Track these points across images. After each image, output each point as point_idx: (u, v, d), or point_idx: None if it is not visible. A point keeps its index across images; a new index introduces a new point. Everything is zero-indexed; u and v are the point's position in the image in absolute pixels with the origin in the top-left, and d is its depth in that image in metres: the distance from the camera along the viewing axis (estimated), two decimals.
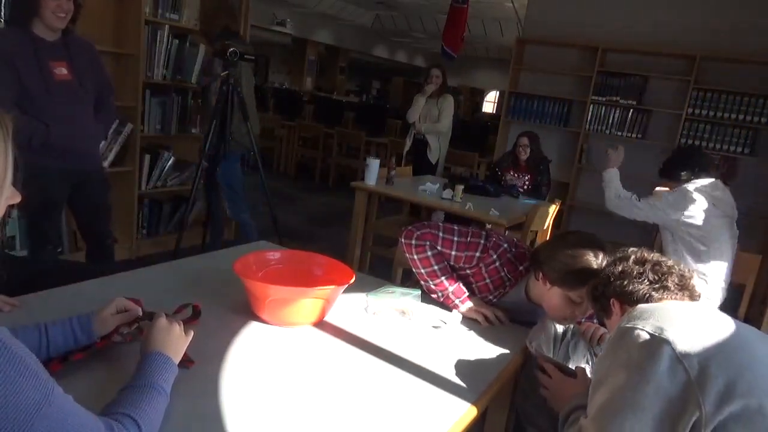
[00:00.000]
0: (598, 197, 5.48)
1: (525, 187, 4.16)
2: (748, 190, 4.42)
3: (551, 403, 1.36)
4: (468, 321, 1.67)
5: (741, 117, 4.72)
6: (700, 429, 0.95)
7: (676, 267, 1.25)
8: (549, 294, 1.60)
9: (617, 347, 1.08)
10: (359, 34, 15.30)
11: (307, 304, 1.42)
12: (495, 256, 1.73)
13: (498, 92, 18.12)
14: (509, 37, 10.73)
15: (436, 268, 1.74)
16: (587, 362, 1.63)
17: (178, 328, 1.11)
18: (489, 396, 1.28)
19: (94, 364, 1.12)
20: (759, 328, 3.25)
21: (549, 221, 3.71)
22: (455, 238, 1.76)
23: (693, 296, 1.23)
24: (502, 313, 1.70)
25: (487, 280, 1.75)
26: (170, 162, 3.85)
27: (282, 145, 8.12)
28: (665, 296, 1.21)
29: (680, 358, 0.99)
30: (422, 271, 1.75)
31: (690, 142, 4.96)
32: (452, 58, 7.27)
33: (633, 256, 1.28)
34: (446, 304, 1.73)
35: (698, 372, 0.97)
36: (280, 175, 7.96)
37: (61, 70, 2.39)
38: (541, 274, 1.61)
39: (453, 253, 1.76)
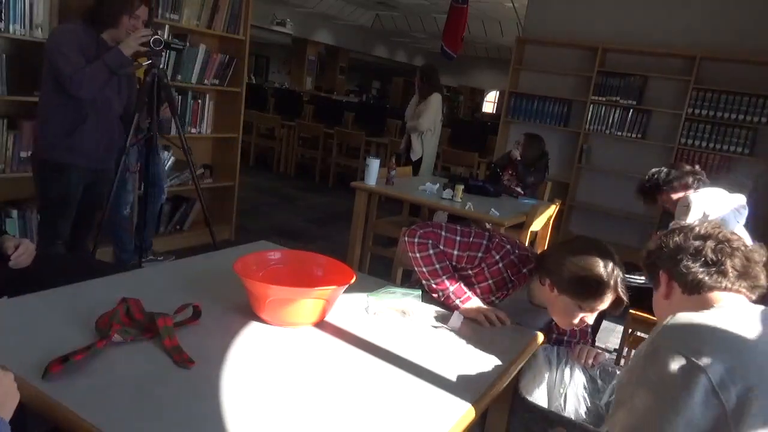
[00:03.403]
0: (597, 197, 5.50)
1: (516, 185, 4.18)
2: (747, 191, 4.41)
3: None
4: (469, 321, 1.67)
5: (741, 117, 4.72)
6: None
7: (742, 248, 1.10)
8: (556, 301, 1.60)
9: (648, 365, 0.98)
10: (359, 34, 15.30)
11: (307, 304, 1.42)
12: (498, 257, 1.73)
13: (498, 92, 18.12)
14: (509, 37, 10.73)
15: (437, 266, 1.74)
16: (585, 388, 1.61)
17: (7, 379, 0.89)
18: (489, 396, 1.28)
19: (94, 365, 1.12)
20: None
21: (549, 221, 3.71)
22: (458, 238, 1.76)
23: (754, 287, 1.10)
24: (504, 314, 1.70)
25: (490, 281, 1.75)
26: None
27: (282, 145, 8.12)
28: (720, 283, 1.09)
29: (717, 390, 0.90)
30: (424, 269, 1.75)
31: (690, 142, 4.96)
32: (452, 58, 7.27)
33: (697, 229, 1.15)
34: (447, 304, 1.73)
35: (735, 406, 0.89)
36: (280, 175, 7.96)
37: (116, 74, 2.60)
38: (548, 281, 1.61)
39: (455, 252, 1.76)
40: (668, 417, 0.91)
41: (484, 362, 1.43)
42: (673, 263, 1.14)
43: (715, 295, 1.10)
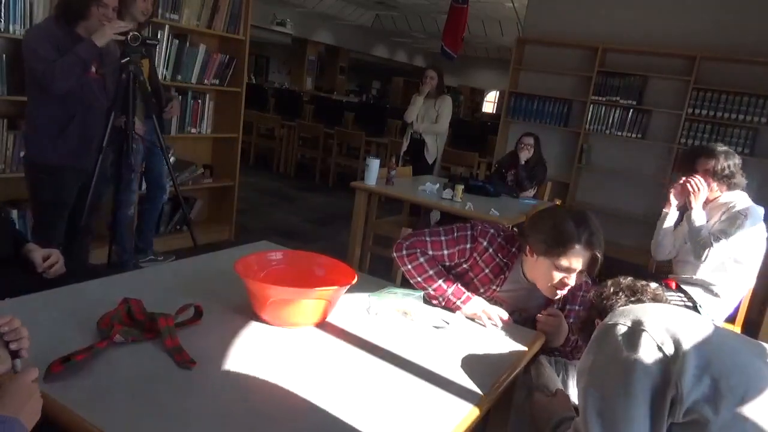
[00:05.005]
0: (597, 197, 5.50)
1: (511, 183, 4.19)
2: (748, 191, 4.41)
3: (538, 422, 1.40)
4: (471, 322, 1.67)
5: (741, 117, 4.71)
6: (676, 406, 1.03)
7: (649, 287, 1.35)
8: (537, 265, 1.67)
9: (602, 342, 1.15)
10: (359, 34, 15.30)
11: (309, 304, 1.42)
12: (486, 243, 1.77)
13: (498, 92, 18.12)
14: (509, 37, 10.74)
15: (431, 272, 1.75)
16: None
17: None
18: (492, 397, 1.28)
19: (95, 365, 1.12)
20: (759, 328, 3.27)
21: None
22: (443, 238, 1.79)
23: None
24: (505, 312, 1.70)
25: (486, 270, 1.78)
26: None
27: (282, 145, 8.12)
28: None
29: (659, 344, 1.07)
30: (419, 279, 1.76)
31: (690, 142, 4.96)
32: (452, 58, 7.26)
33: (610, 282, 1.40)
34: (448, 307, 1.73)
35: (674, 354, 1.05)
36: (280, 175, 7.95)
37: (91, 68, 2.57)
38: (528, 248, 1.68)
39: (445, 252, 1.78)
40: (626, 375, 1.07)
41: (487, 363, 1.42)
42: (601, 308, 1.35)
43: None
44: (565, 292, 1.69)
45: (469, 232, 1.79)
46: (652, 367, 1.05)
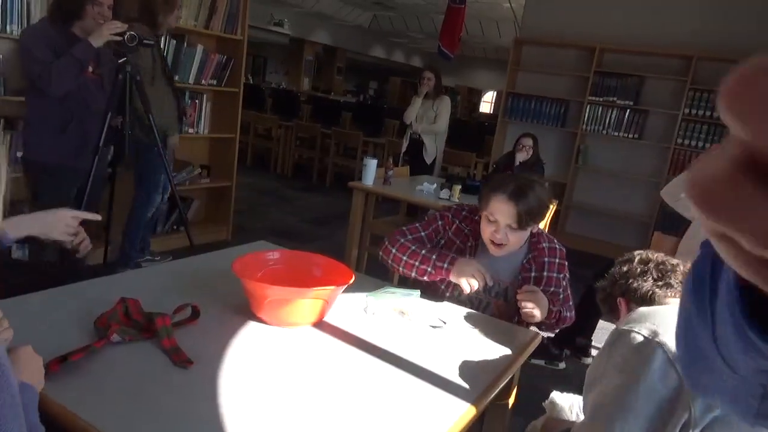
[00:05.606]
0: (594, 197, 5.52)
1: None
2: None
3: None
4: (467, 321, 1.67)
5: None
6: (689, 428, 0.98)
7: (680, 266, 1.26)
8: (481, 222, 1.78)
9: (613, 349, 1.10)
10: (356, 34, 15.29)
11: (306, 304, 1.42)
12: (452, 216, 1.91)
13: (495, 92, 18.13)
14: (507, 37, 10.75)
15: (413, 247, 1.82)
16: None
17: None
18: (488, 396, 1.28)
19: (93, 364, 1.12)
20: None
21: (546, 221, 3.72)
22: (417, 224, 1.94)
23: None
24: (488, 275, 1.73)
25: (457, 242, 1.88)
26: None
27: (279, 146, 8.12)
28: (669, 293, 1.22)
29: (673, 362, 0.99)
30: (404, 258, 1.81)
31: (687, 142, 4.98)
32: (449, 59, 7.27)
33: (638, 257, 1.31)
34: (440, 276, 1.75)
35: None
36: (278, 175, 7.95)
37: (88, 68, 2.58)
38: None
39: (423, 233, 1.90)
40: (632, 389, 1.02)
41: (483, 362, 1.43)
42: (625, 286, 1.28)
43: (668, 301, 1.24)
44: (503, 251, 1.76)
45: (437, 213, 1.95)
46: (662, 387, 0.99)
